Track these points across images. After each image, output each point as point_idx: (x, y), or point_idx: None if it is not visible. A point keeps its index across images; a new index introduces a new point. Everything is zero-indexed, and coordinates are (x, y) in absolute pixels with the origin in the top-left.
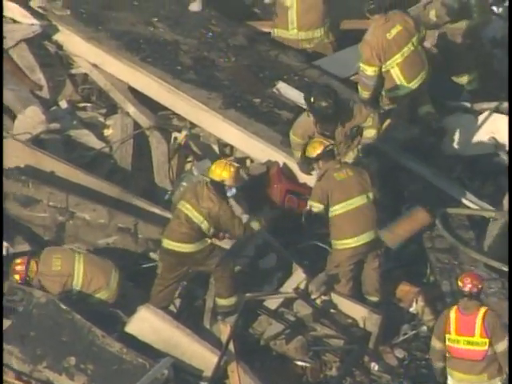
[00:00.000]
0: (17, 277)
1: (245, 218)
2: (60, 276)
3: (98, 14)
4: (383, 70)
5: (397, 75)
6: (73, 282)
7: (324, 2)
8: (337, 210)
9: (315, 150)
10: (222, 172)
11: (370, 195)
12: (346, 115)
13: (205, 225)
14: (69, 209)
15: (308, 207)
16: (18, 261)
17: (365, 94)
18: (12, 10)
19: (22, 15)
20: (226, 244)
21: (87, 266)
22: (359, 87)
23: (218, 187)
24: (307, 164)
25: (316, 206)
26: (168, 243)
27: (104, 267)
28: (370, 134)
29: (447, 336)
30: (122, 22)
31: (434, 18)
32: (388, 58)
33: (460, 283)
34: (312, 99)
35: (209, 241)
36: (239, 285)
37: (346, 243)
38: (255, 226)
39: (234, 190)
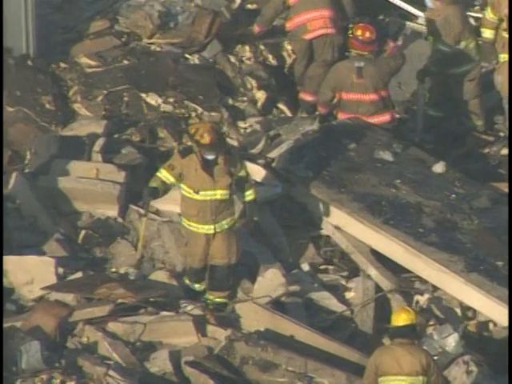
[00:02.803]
0: None
1: None
2: None
3: (341, 176)
4: None
5: None
6: None
7: None
8: None
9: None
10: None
11: None
12: None
13: None
14: (307, 374)
15: None
16: None
17: None
18: (257, 172)
19: (266, 178)
20: None
21: None
22: None
23: None
24: None
25: None
26: None
27: None
28: None
29: None
30: (365, 184)
31: None
32: None
33: None
34: None
35: None
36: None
37: None
38: None
39: None
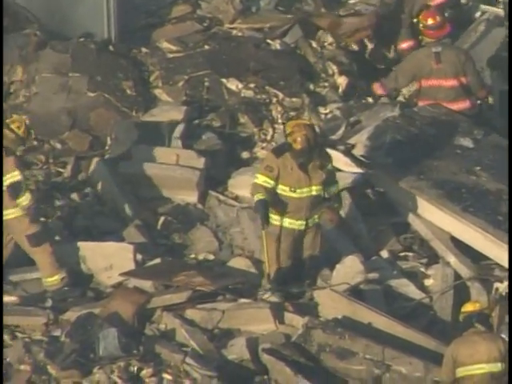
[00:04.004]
0: None
1: None
2: None
3: (421, 163)
4: None
5: None
6: None
7: None
8: None
9: None
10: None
11: None
12: None
13: None
14: (385, 362)
15: None
16: None
17: None
18: (337, 159)
19: (346, 164)
20: None
21: None
22: None
23: None
24: None
25: None
26: None
27: None
28: None
29: None
30: (444, 171)
31: None
32: None
33: None
34: None
35: None
36: None
37: None
38: None
39: None
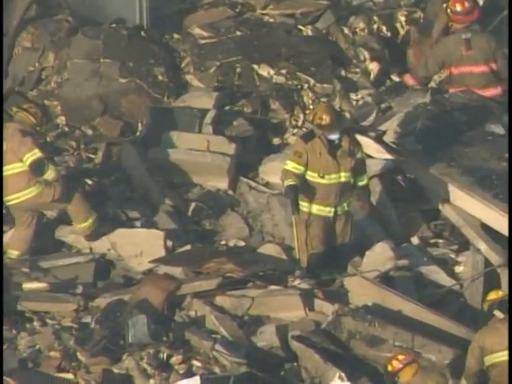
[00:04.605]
0: None
1: None
2: None
3: (452, 150)
4: None
5: None
6: None
7: None
8: None
9: None
10: None
11: None
12: None
13: None
14: (414, 349)
15: None
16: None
17: None
18: (368, 145)
19: (377, 151)
20: None
21: None
22: None
23: None
24: None
25: None
26: None
27: None
28: None
29: None
30: (475, 158)
31: None
32: None
33: None
34: None
35: None
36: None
37: None
38: None
39: None
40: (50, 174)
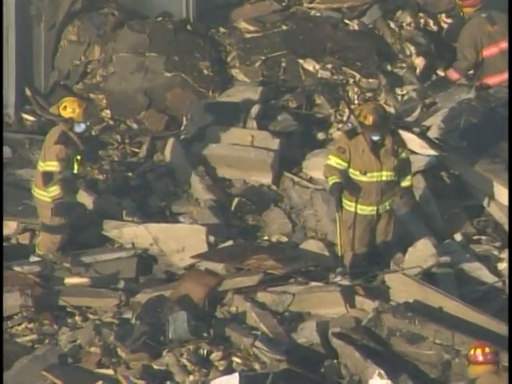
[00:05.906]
0: None
1: None
2: None
3: (496, 146)
4: None
5: None
6: None
7: None
8: None
9: None
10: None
11: None
12: None
13: None
14: (455, 347)
15: None
16: None
17: None
18: (412, 141)
19: (421, 146)
20: None
21: None
22: None
23: None
24: None
25: None
26: None
27: None
28: None
29: None
30: None
31: None
32: None
33: None
34: None
35: None
36: None
37: None
38: None
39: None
40: (52, 191)
